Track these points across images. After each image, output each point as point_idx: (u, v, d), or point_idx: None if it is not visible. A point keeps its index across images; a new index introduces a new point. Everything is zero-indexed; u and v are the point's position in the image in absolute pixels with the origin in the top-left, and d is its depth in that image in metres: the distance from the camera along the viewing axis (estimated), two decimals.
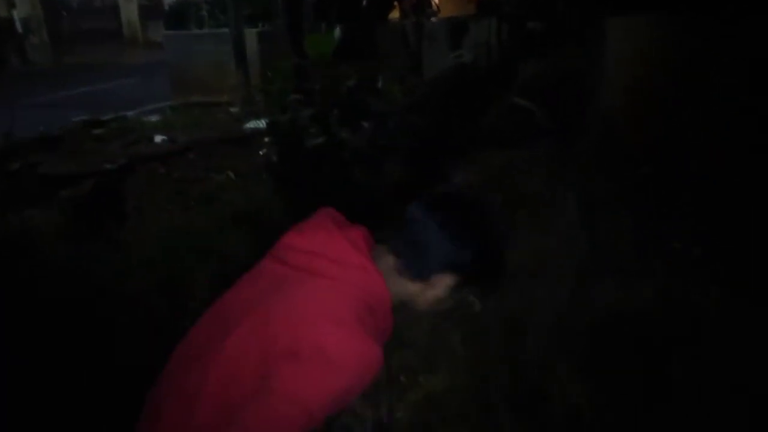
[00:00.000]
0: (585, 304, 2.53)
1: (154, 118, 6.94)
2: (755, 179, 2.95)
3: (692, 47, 3.67)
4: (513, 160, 3.85)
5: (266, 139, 4.78)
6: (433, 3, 9.69)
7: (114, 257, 3.12)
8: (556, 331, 2.45)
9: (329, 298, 1.04)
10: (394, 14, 9.11)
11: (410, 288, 1.12)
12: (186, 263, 3.07)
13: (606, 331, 2.52)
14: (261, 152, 4.71)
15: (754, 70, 3.37)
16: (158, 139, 5.69)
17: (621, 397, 2.40)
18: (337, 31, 7.09)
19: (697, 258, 2.84)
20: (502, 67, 6.54)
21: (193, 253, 3.14)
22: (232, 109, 6.82)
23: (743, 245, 2.84)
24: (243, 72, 7.03)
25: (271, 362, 0.99)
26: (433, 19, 9.18)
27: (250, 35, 7.40)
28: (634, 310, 2.53)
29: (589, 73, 4.39)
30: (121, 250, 3.21)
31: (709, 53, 3.52)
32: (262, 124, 5.20)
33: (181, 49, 8.16)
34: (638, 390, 2.42)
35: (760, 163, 3.02)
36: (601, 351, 2.50)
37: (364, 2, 7.86)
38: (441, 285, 1.10)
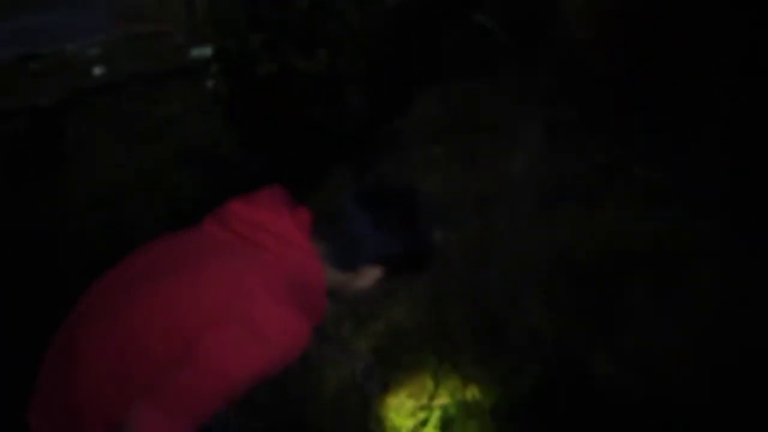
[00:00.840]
0: (547, 231, 2.50)
1: (94, 51, 6.46)
2: (723, 104, 2.91)
3: None
4: (476, 86, 3.72)
5: (214, 69, 4.48)
6: None
7: (55, 197, 2.92)
8: (519, 259, 2.42)
9: (267, 270, 1.04)
10: None
11: (338, 277, 1.14)
12: (132, 203, 2.90)
13: (568, 258, 2.50)
14: (209, 83, 4.42)
15: None
16: (97, 71, 5.32)
17: (581, 323, 2.42)
18: None
19: (659, 183, 2.82)
20: None
21: (139, 192, 2.97)
22: (177, 39, 6.38)
23: (707, 171, 2.82)
24: None
25: (198, 324, 0.98)
26: None
27: None
28: (596, 236, 2.51)
29: None
30: (62, 189, 3.01)
31: None
32: (208, 52, 4.85)
33: None
34: (598, 315, 2.44)
35: (728, 88, 2.97)
36: (563, 277, 2.50)
37: None
38: (368, 276, 1.13)
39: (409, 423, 2.17)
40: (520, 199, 2.41)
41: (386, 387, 1.72)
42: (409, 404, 2.22)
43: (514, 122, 3.15)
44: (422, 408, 2.21)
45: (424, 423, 2.18)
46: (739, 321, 2.35)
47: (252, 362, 0.98)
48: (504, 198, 2.55)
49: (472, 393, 2.26)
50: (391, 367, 2.23)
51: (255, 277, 1.02)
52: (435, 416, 2.19)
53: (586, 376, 2.28)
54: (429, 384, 2.26)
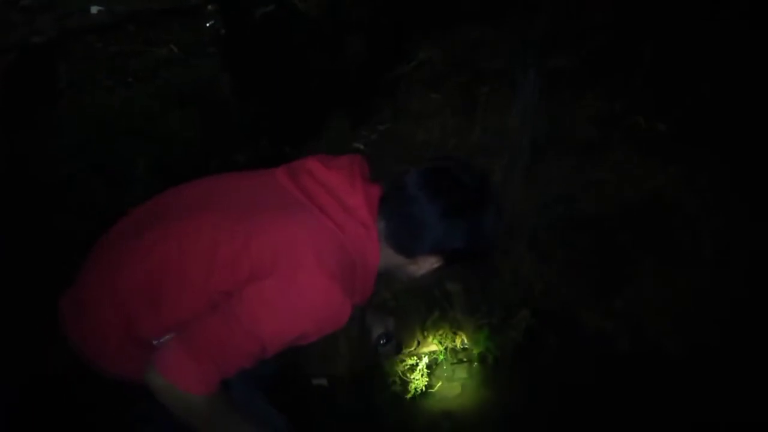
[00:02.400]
0: (545, 183, 2.47)
1: None
2: (724, 53, 2.81)
3: None
4: (478, 33, 3.60)
5: (212, 9, 4.34)
6: None
7: (45, 139, 2.88)
8: (513, 211, 2.40)
9: (323, 238, 0.99)
10: None
11: (394, 259, 1.08)
12: (125, 146, 2.86)
13: (564, 210, 2.49)
14: (207, 24, 4.30)
15: None
16: (94, 9, 5.15)
17: (572, 276, 2.43)
18: None
19: (662, 135, 2.76)
20: None
21: (133, 136, 2.92)
22: None
23: (710, 124, 2.76)
24: None
25: (241, 270, 0.96)
26: None
27: None
28: (595, 189, 2.48)
29: None
30: (53, 131, 2.96)
31: None
32: None
33: None
34: (591, 268, 2.45)
35: (729, 37, 2.86)
36: (557, 230, 2.49)
37: None
38: (425, 265, 1.08)
39: (398, 368, 2.21)
40: (518, 150, 2.37)
41: (400, 349, 1.79)
42: None
43: (514, 70, 3.06)
44: (411, 354, 2.24)
45: (412, 369, 2.21)
46: (733, 278, 2.35)
47: (285, 327, 0.96)
48: (502, 149, 2.51)
49: (460, 340, 2.30)
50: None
51: (309, 241, 0.97)
52: (423, 362, 2.23)
53: (575, 327, 2.31)
54: (418, 331, 2.28)
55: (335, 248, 0.99)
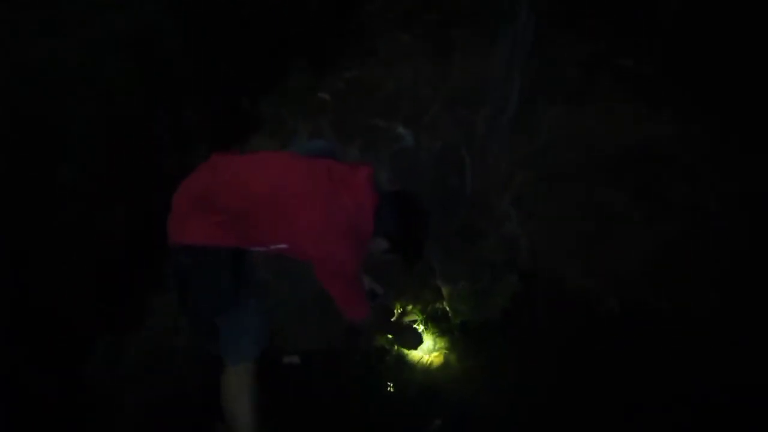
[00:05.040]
0: (528, 135, 2.26)
1: None
2: None
3: None
4: None
5: None
6: None
7: None
8: (496, 165, 2.20)
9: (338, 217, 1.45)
10: None
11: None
12: (58, 100, 2.51)
13: (549, 164, 2.29)
14: None
15: None
16: None
17: (558, 232, 2.26)
18: None
19: (647, 76, 2.56)
20: None
21: (67, 88, 2.57)
22: None
23: (695, 63, 2.56)
24: None
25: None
26: None
27: None
28: (581, 140, 2.29)
29: None
30: None
31: None
32: None
33: None
34: (577, 224, 2.28)
35: None
36: (542, 184, 2.30)
37: None
38: (377, 243, 1.55)
39: (377, 342, 2.04)
40: (499, 98, 2.14)
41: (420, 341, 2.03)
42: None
43: (489, 12, 2.78)
44: (390, 325, 2.07)
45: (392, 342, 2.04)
46: (720, 234, 2.23)
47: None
48: (481, 97, 2.27)
49: (441, 308, 2.13)
50: None
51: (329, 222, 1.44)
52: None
53: (562, 290, 2.16)
54: (397, 302, 2.10)
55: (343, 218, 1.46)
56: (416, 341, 2.00)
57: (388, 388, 2.01)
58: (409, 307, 2.12)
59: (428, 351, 2.11)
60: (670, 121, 2.33)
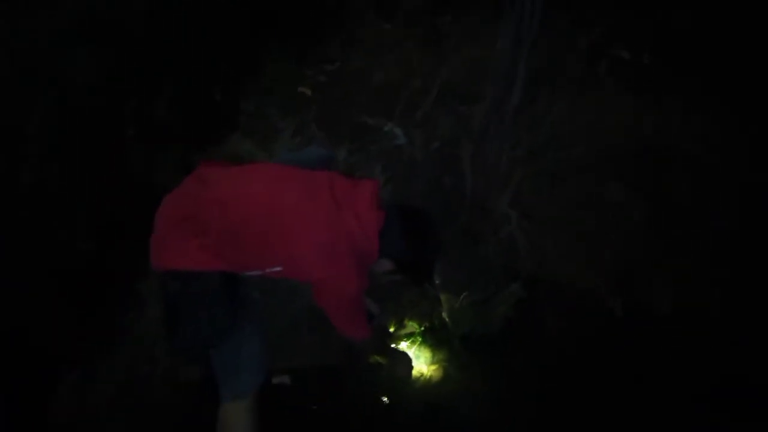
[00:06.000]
0: (527, 128, 2.13)
1: None
2: None
3: None
4: None
5: None
6: None
7: None
8: (494, 162, 2.06)
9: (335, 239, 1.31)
10: None
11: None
12: (18, 91, 2.29)
13: (549, 159, 2.17)
14: None
15: None
16: None
17: (556, 229, 2.15)
18: None
19: (647, 66, 2.45)
20: None
21: (27, 77, 2.34)
22: None
23: (694, 51, 2.47)
24: None
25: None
26: None
27: None
28: (582, 132, 2.17)
29: None
30: None
31: None
32: None
33: None
34: (576, 220, 2.17)
35: None
36: (542, 179, 2.18)
37: None
38: (382, 264, 1.41)
39: (373, 359, 1.89)
40: (500, 90, 1.99)
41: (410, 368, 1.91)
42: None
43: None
44: (387, 340, 1.92)
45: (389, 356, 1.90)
46: (725, 230, 2.15)
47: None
48: (477, 89, 2.12)
49: (440, 320, 1.99)
50: None
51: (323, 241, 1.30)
52: (400, 348, 1.92)
53: (565, 297, 2.05)
54: (394, 316, 1.96)
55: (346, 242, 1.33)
56: (407, 369, 1.87)
57: (386, 406, 1.87)
58: (406, 320, 1.98)
59: (427, 363, 1.98)
60: (674, 112, 2.23)
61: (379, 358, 1.90)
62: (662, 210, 2.18)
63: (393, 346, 1.94)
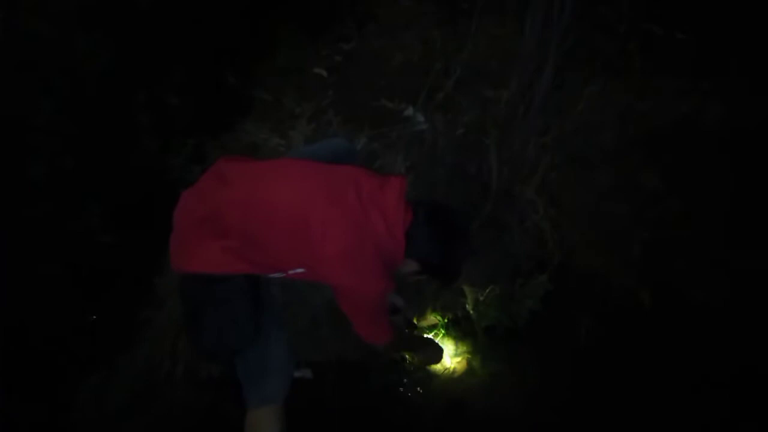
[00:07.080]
0: (557, 113, 2.03)
1: None
2: None
3: None
4: None
5: None
6: None
7: None
8: (520, 149, 1.97)
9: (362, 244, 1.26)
10: None
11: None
12: (25, 88, 2.23)
13: (579, 145, 2.07)
14: None
15: None
16: None
17: (592, 220, 2.07)
18: None
19: (682, 42, 2.32)
20: None
21: (30, 72, 2.27)
22: None
23: (731, 26, 2.33)
24: None
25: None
26: None
27: None
28: (616, 117, 2.06)
29: None
30: None
31: None
32: None
33: None
34: (612, 209, 2.09)
35: None
36: (569, 167, 2.09)
37: None
38: (408, 266, 1.35)
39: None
40: (523, 73, 1.89)
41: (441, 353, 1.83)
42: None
43: None
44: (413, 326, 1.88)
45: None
46: (757, 219, 2.06)
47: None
48: (504, 70, 2.02)
49: (463, 312, 1.94)
50: None
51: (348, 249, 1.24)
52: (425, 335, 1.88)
53: (592, 287, 1.98)
54: (417, 307, 1.90)
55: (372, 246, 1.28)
56: (437, 355, 1.81)
57: (410, 401, 1.84)
58: (429, 312, 1.93)
59: (451, 356, 1.93)
60: (714, 93, 2.11)
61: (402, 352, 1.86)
62: (699, 199, 2.09)
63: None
